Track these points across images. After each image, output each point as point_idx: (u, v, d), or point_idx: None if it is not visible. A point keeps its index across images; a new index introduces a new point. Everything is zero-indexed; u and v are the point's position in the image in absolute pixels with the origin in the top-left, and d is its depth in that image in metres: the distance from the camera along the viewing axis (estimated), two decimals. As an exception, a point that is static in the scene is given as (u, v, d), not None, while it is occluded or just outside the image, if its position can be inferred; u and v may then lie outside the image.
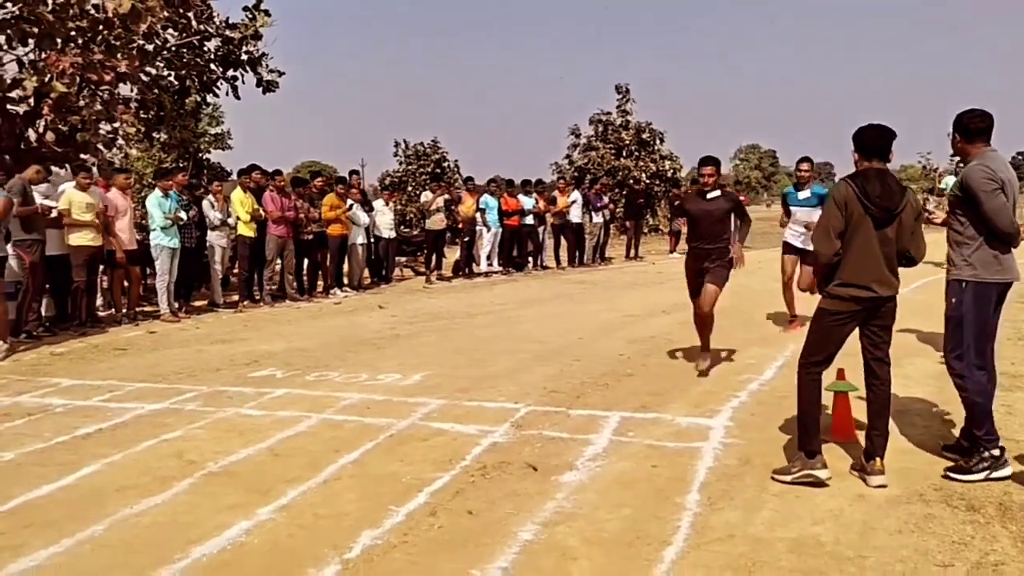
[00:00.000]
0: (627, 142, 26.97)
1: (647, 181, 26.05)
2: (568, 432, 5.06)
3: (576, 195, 17.33)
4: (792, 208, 8.50)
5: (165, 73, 12.83)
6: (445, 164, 27.04)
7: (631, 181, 25.15)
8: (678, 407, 5.59)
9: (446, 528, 3.62)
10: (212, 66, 13.46)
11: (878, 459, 4.08)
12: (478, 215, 15.31)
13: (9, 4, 10.06)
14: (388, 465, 4.48)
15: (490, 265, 15.77)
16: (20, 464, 4.62)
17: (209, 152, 22.43)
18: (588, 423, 5.24)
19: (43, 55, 10.44)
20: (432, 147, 27.24)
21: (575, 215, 17.06)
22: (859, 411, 4.82)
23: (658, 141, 27.49)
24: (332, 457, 4.61)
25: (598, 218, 17.78)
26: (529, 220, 16.11)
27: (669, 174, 27.01)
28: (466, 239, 15.38)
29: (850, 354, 4.34)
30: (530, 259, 16.52)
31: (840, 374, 4.94)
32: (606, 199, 18.29)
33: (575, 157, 27.94)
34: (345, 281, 13.21)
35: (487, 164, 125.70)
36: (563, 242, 17.25)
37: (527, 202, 16.17)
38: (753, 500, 3.91)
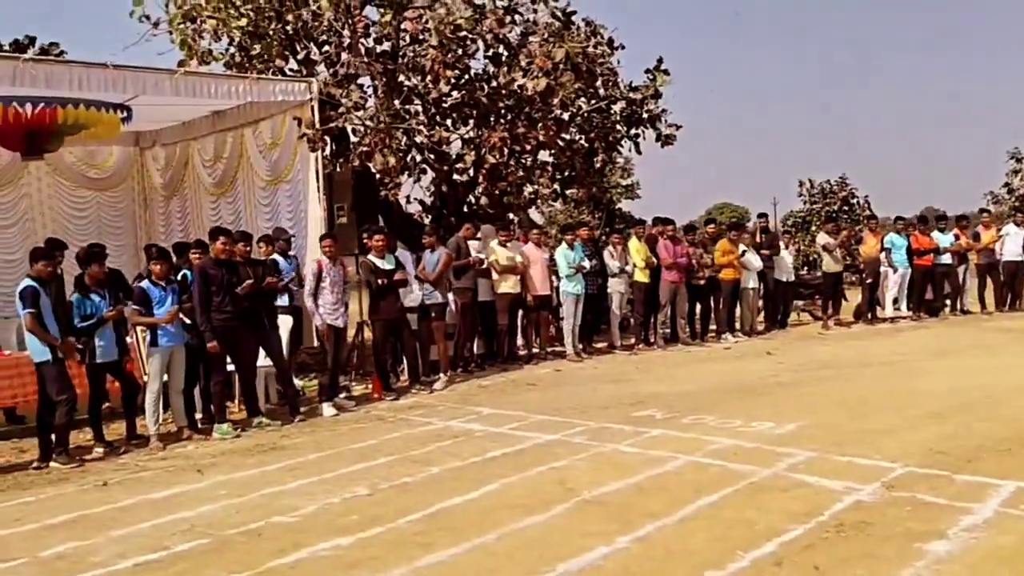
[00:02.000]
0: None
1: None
2: (947, 498, 4.73)
3: (1009, 228, 15.26)
4: None
5: (577, 137, 14.36)
6: (853, 201, 25.57)
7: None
8: (1095, 483, 4.87)
9: (788, 579, 3.73)
10: (617, 127, 14.71)
11: None
12: (882, 255, 14.34)
13: (455, 92, 12.26)
14: (744, 511, 4.66)
15: (897, 310, 14.57)
16: (442, 478, 5.72)
17: (620, 203, 24.19)
18: (974, 490, 4.84)
19: (480, 132, 12.49)
20: (840, 184, 25.98)
21: (1011, 252, 14.99)
22: None
23: None
24: (692, 497, 4.92)
25: (1030, 255, 15.38)
26: (946, 259, 14.60)
27: None
28: (868, 281, 14.47)
29: None
30: (947, 303, 14.93)
31: None
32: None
33: (1015, 184, 24.53)
34: (737, 326, 13.34)
35: (907, 199, 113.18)
36: (988, 283, 15.26)
37: (942, 240, 14.68)
38: None
